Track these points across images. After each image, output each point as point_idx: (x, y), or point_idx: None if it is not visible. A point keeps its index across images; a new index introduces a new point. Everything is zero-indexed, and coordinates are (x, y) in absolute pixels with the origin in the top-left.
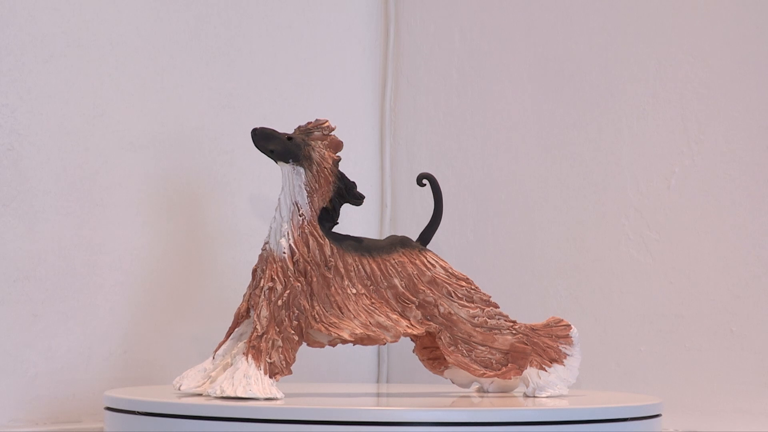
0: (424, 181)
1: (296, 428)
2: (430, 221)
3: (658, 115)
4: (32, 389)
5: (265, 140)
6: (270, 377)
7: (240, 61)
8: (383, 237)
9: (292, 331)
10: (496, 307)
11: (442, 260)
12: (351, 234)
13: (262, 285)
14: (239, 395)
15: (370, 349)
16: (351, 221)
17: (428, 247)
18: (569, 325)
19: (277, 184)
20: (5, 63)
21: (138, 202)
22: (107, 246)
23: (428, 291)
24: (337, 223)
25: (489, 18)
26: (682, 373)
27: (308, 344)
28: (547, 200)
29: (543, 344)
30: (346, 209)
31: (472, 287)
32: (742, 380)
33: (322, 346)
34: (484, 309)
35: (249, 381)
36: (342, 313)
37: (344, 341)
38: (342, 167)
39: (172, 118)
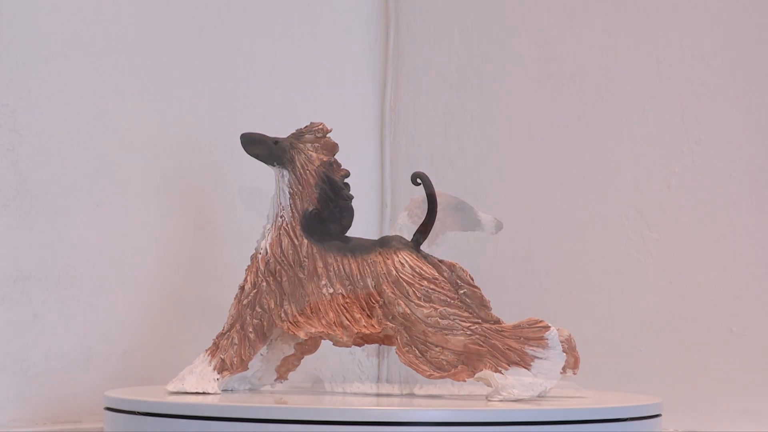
0: (418, 180)
1: (296, 428)
2: (424, 221)
3: (658, 115)
4: (32, 389)
5: (251, 145)
6: (219, 373)
7: (240, 61)
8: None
9: (251, 330)
10: (465, 308)
11: (417, 259)
12: (351, 234)
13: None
14: (170, 390)
15: (370, 349)
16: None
17: (425, 246)
18: (546, 327)
19: None
20: (5, 63)
21: (138, 202)
22: (107, 246)
23: (389, 291)
24: (344, 225)
25: (489, 18)
26: (682, 373)
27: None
28: (547, 200)
29: (503, 346)
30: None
31: (433, 287)
32: (742, 380)
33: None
34: (438, 309)
35: (191, 377)
36: (312, 313)
37: (299, 338)
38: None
39: (173, 118)
